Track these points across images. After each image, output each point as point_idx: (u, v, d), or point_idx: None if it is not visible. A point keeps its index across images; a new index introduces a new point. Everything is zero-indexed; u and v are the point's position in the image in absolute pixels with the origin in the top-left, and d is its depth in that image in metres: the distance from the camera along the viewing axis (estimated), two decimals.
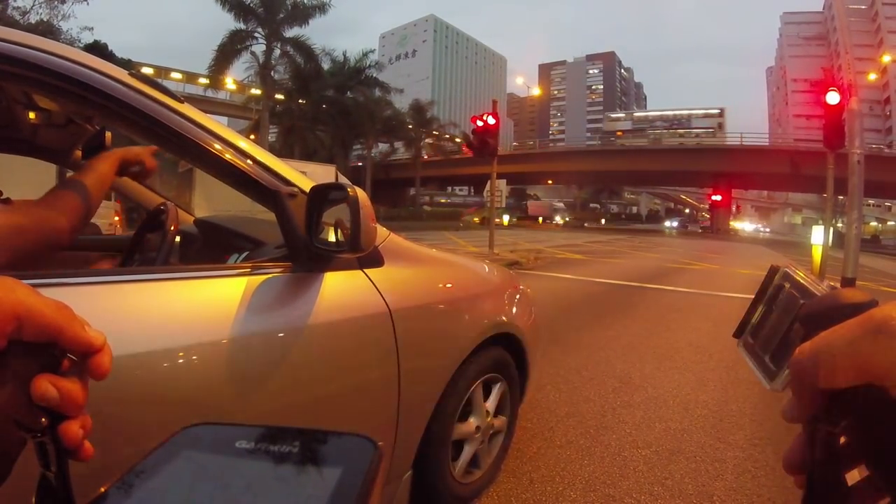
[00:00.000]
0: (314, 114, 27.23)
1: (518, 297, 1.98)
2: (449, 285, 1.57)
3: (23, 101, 1.49)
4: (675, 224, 59.14)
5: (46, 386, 0.27)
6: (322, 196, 1.07)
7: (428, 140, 39.75)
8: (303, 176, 1.14)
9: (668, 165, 40.70)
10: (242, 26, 22.21)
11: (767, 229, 75.87)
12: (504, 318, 1.78)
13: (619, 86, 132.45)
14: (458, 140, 45.03)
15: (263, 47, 22.91)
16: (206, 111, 1.06)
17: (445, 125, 46.41)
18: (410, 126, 36.75)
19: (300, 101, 26.72)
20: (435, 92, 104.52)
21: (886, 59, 40.67)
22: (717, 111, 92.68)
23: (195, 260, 1.65)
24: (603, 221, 62.61)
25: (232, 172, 1.03)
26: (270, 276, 1.04)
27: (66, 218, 0.98)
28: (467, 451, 1.66)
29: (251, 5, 21.82)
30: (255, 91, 26.41)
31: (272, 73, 23.91)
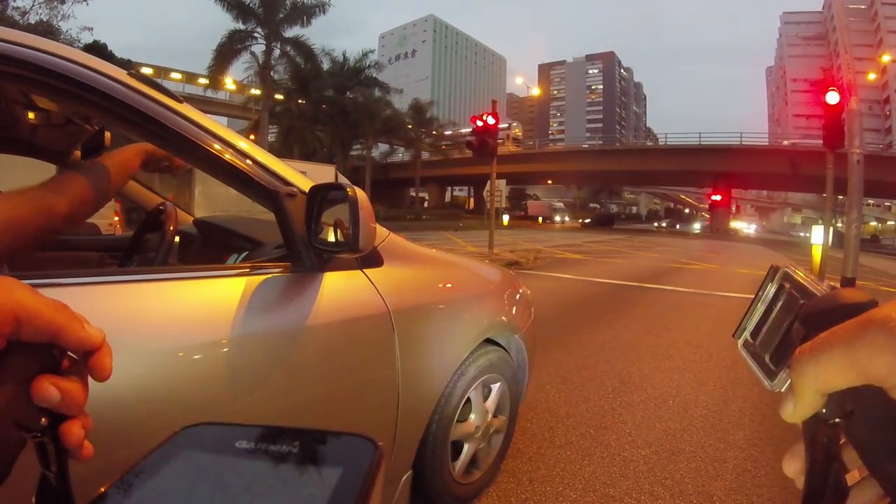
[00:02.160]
0: (313, 114, 27.21)
1: (517, 297, 1.98)
2: (448, 285, 1.57)
3: (22, 102, 1.49)
4: (586, 221, 52.20)
5: (47, 386, 0.27)
6: (321, 196, 1.07)
7: (427, 140, 39.73)
8: (302, 176, 1.13)
9: (668, 165, 40.68)
10: (242, 26, 22.19)
11: (802, 233, 61.39)
12: (504, 317, 1.78)
13: (618, 86, 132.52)
14: (468, 138, 44.95)
15: (263, 47, 22.90)
16: (205, 111, 1.06)
17: (445, 125, 46.41)
18: (410, 126, 36.75)
19: (300, 101, 26.70)
20: (434, 92, 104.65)
21: (886, 58, 40.71)
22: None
23: (194, 260, 1.65)
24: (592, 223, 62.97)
25: (231, 172, 1.03)
26: (269, 276, 1.04)
27: (66, 202, 0.95)
28: (467, 451, 1.66)
29: (250, 5, 21.77)
30: (255, 91, 26.37)
31: (272, 73, 23.88)
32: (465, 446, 1.66)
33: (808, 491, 0.26)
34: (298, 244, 1.06)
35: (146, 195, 1.95)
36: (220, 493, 0.26)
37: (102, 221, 8.31)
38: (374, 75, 30.18)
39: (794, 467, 0.28)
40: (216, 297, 0.97)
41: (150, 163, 1.22)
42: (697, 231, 56.67)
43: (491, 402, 1.74)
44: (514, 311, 1.88)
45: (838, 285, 0.29)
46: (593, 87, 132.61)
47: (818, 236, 8.77)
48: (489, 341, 1.67)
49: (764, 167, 36.09)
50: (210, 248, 1.66)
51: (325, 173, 15.36)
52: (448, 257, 1.74)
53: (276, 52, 23.35)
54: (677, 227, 66.91)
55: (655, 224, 69.94)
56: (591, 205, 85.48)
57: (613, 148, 56.48)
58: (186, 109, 0.99)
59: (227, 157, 1.01)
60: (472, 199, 55.02)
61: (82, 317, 0.30)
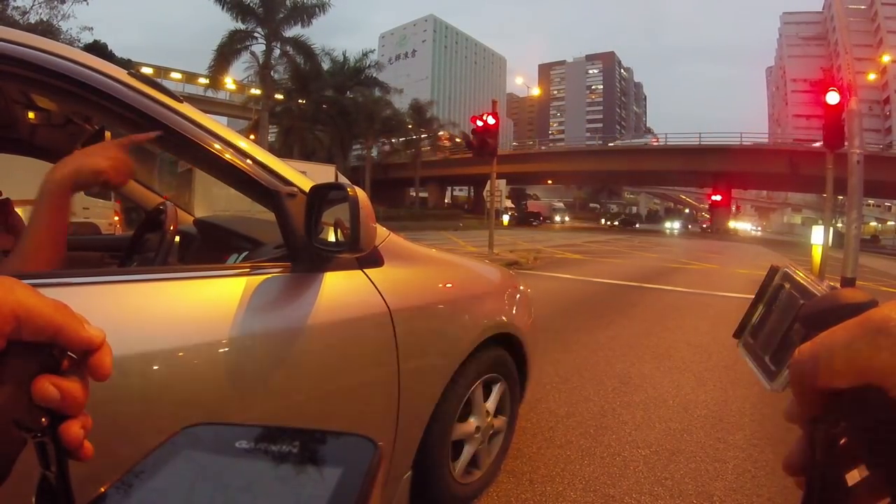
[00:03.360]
0: (313, 114, 27.21)
1: (518, 297, 1.98)
2: (449, 285, 1.57)
3: (22, 101, 1.49)
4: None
5: (47, 386, 0.27)
6: (322, 196, 1.07)
7: (424, 147, 39.64)
8: (302, 176, 1.13)
9: (668, 165, 40.66)
10: (242, 26, 22.18)
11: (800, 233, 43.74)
12: (504, 318, 1.78)
13: (618, 86, 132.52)
14: (458, 140, 44.99)
15: (263, 47, 22.89)
16: (205, 111, 1.06)
17: (445, 125, 46.36)
18: (410, 126, 36.75)
19: (300, 101, 26.71)
20: (434, 92, 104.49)
21: (886, 59, 40.70)
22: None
23: (194, 260, 1.65)
24: (603, 221, 61.90)
25: (231, 172, 1.02)
26: (270, 276, 1.03)
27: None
28: (467, 451, 1.66)
29: (250, 5, 21.76)
30: (255, 91, 26.38)
31: (272, 73, 23.86)
32: (465, 446, 1.65)
33: (809, 491, 0.26)
34: (299, 244, 1.06)
35: (146, 195, 1.95)
36: (220, 493, 0.26)
37: (102, 221, 8.32)
38: (374, 75, 30.20)
39: (794, 467, 0.28)
40: (216, 296, 0.96)
41: (79, 188, 0.99)
42: (675, 230, 48.82)
43: (491, 402, 1.74)
44: (514, 311, 1.88)
45: (838, 285, 0.29)
46: (593, 87, 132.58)
47: (818, 236, 8.78)
48: (489, 341, 1.67)
49: (764, 167, 36.08)
50: (210, 247, 1.66)
51: (325, 173, 15.36)
52: (448, 257, 1.74)
53: (277, 51, 23.33)
54: (636, 225, 55.72)
55: (604, 222, 57.57)
56: (592, 205, 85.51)
57: (613, 148, 56.37)
58: (187, 109, 0.99)
59: (228, 156, 1.01)
60: (472, 200, 54.90)
61: (82, 316, 0.30)
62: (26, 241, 0.93)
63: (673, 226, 56.75)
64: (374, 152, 35.23)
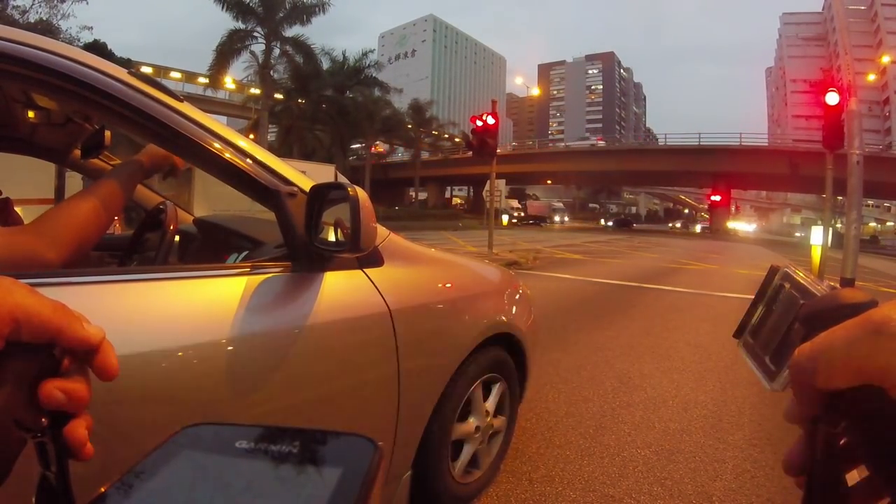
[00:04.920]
0: (313, 113, 27.20)
1: (517, 296, 1.98)
2: (449, 285, 1.57)
3: (22, 100, 1.49)
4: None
5: (53, 391, 0.28)
6: (322, 195, 1.07)
7: (427, 140, 39.65)
8: (303, 175, 1.13)
9: (668, 165, 40.68)
10: (241, 25, 22.19)
11: (798, 233, 45.10)
12: (504, 317, 1.78)
13: (618, 86, 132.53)
14: (457, 139, 45.00)
15: (263, 47, 22.89)
16: (205, 110, 1.06)
17: (445, 125, 46.31)
18: (409, 126, 36.77)
19: (299, 100, 26.70)
20: (434, 91, 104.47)
21: (886, 59, 40.67)
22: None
23: (194, 259, 1.65)
24: (602, 222, 62.05)
25: (232, 172, 1.02)
26: (270, 275, 1.03)
27: (52, 243, 0.90)
28: (467, 451, 1.66)
29: (250, 4, 21.77)
30: (255, 90, 26.40)
31: (271, 72, 23.87)
32: (465, 446, 1.66)
33: (809, 491, 0.26)
34: (299, 244, 1.06)
35: (146, 194, 1.95)
36: (220, 493, 0.26)
37: None
38: (373, 75, 30.19)
39: (794, 467, 0.28)
40: (216, 296, 0.96)
41: (150, 172, 1.19)
42: (609, 226, 46.48)
43: (491, 402, 1.74)
44: (513, 311, 1.88)
45: (838, 286, 0.29)
46: (593, 87, 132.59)
47: (817, 237, 8.79)
48: (489, 341, 1.67)
49: (763, 168, 36.11)
50: (210, 247, 1.66)
51: (325, 173, 15.34)
52: (448, 257, 1.74)
53: (276, 51, 23.34)
54: (543, 223, 44.62)
55: (505, 217, 52.60)
56: (591, 205, 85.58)
57: (613, 148, 56.34)
58: (187, 108, 0.99)
59: (228, 156, 1.01)
60: (471, 200, 54.85)
61: (82, 315, 0.30)
62: (65, 207, 0.97)
63: (608, 224, 58.65)
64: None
